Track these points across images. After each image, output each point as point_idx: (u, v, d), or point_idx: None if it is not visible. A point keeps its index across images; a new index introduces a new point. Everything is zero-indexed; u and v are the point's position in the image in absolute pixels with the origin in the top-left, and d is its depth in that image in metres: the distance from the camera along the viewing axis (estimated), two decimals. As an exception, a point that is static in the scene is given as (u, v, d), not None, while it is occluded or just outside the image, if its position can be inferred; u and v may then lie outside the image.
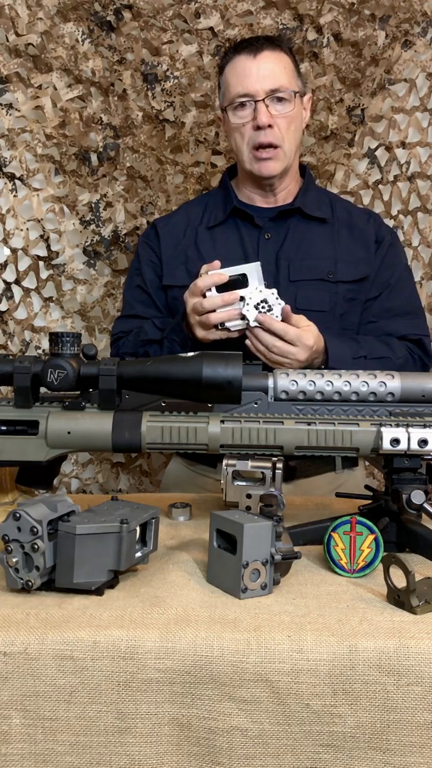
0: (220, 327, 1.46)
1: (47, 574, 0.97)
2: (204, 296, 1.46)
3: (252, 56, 1.61)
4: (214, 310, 1.45)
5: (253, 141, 1.63)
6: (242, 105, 1.62)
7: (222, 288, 1.46)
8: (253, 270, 1.47)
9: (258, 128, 1.61)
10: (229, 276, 1.46)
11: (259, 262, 1.49)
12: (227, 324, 1.45)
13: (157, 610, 0.93)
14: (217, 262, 1.48)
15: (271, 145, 1.63)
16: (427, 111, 2.18)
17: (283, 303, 1.45)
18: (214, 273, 1.45)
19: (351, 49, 2.12)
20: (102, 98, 2.17)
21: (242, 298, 1.44)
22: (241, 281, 1.46)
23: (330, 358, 1.51)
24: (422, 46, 2.14)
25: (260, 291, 1.44)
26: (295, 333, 1.44)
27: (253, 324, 1.44)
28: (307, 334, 1.46)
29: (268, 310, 1.44)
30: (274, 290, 1.45)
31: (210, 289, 1.45)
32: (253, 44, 1.62)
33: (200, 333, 1.48)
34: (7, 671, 0.86)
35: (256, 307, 1.43)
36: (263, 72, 1.60)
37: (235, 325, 1.45)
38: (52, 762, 0.87)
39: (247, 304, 1.44)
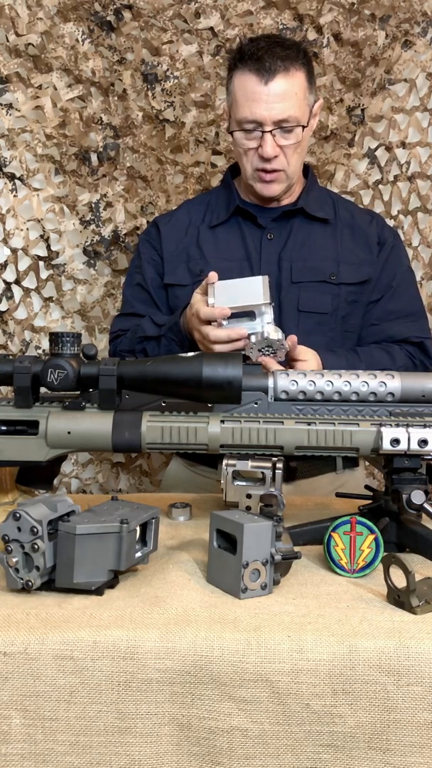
0: None
1: (47, 574, 0.97)
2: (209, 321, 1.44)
3: (263, 82, 1.55)
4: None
5: (257, 166, 1.63)
6: (249, 130, 1.60)
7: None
8: (262, 307, 1.42)
9: (263, 157, 1.60)
10: (236, 312, 1.42)
11: (266, 276, 1.45)
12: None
13: (157, 610, 0.93)
14: (213, 275, 1.46)
15: (274, 170, 1.63)
16: (427, 111, 2.18)
17: (287, 346, 1.42)
18: (219, 309, 1.42)
19: (351, 49, 2.12)
20: (102, 98, 2.17)
21: (248, 336, 1.42)
22: (248, 315, 1.43)
23: None
24: (422, 46, 2.14)
25: (266, 337, 1.40)
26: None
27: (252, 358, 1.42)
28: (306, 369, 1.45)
29: (272, 353, 1.42)
30: (281, 335, 1.42)
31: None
32: (266, 64, 1.55)
33: (202, 349, 1.48)
34: (7, 671, 0.86)
35: (261, 350, 1.42)
36: (273, 100, 1.56)
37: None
38: (52, 762, 0.87)
39: (251, 348, 1.41)
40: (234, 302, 1.42)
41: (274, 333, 1.41)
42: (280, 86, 1.56)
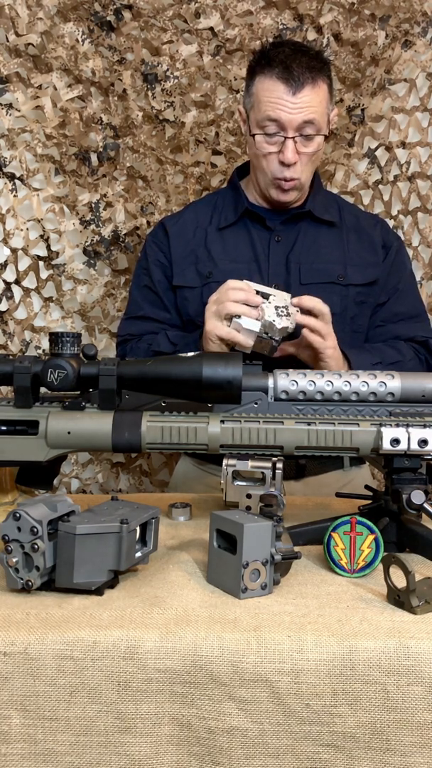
0: (231, 324, 1.45)
1: (47, 574, 0.97)
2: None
3: (291, 92, 1.56)
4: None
5: (275, 173, 1.64)
6: (271, 134, 1.60)
7: None
8: (275, 292, 1.47)
9: (282, 163, 1.61)
10: (257, 291, 1.47)
11: (289, 295, 1.49)
12: (241, 320, 1.44)
13: (157, 610, 0.93)
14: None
15: (292, 178, 1.64)
16: (427, 111, 2.18)
17: (297, 310, 1.47)
18: (246, 284, 1.46)
19: (351, 49, 2.12)
20: (102, 98, 2.17)
21: (266, 297, 1.46)
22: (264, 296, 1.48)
23: (353, 364, 1.55)
24: (422, 46, 2.14)
25: (285, 298, 1.45)
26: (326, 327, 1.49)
27: (267, 319, 1.44)
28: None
29: (286, 315, 1.45)
30: (286, 323, 1.45)
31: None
32: (294, 74, 1.55)
33: (210, 324, 1.48)
34: (7, 671, 0.86)
35: (276, 308, 1.44)
36: (299, 107, 1.56)
37: (248, 323, 1.44)
38: (52, 762, 0.87)
39: (269, 302, 1.44)
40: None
41: (279, 320, 1.44)
42: (306, 97, 1.57)
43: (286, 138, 1.58)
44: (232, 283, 1.47)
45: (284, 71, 1.56)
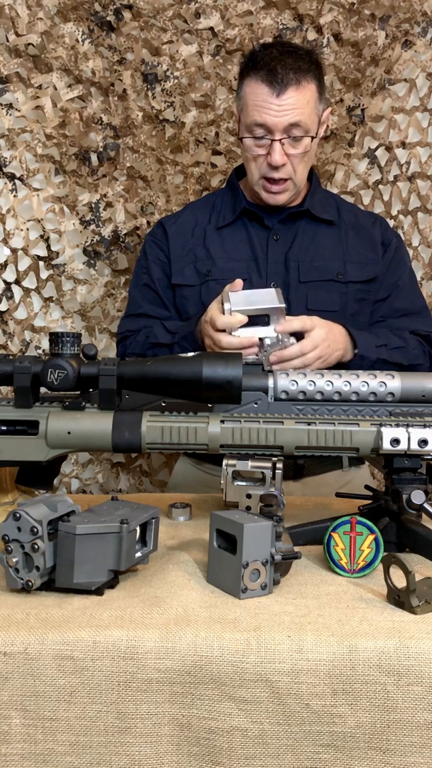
0: None
1: (47, 574, 0.97)
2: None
3: (275, 94, 1.55)
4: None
5: (265, 174, 1.64)
6: (259, 137, 1.60)
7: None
8: (276, 311, 1.42)
9: (271, 165, 1.61)
10: (252, 315, 1.43)
11: (279, 289, 1.46)
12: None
13: (157, 610, 0.93)
14: (239, 281, 1.47)
15: (282, 179, 1.63)
16: (427, 111, 2.18)
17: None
18: (236, 317, 1.41)
19: (351, 49, 2.12)
20: (102, 98, 2.17)
21: (261, 340, 1.42)
22: (261, 322, 1.44)
23: (359, 345, 1.54)
24: (422, 46, 2.14)
25: (281, 340, 1.41)
26: (311, 342, 1.43)
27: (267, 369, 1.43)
28: (316, 329, 1.45)
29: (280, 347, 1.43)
30: (294, 340, 1.42)
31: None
32: (278, 76, 1.55)
33: None
34: (7, 671, 0.86)
35: (273, 348, 1.42)
36: (284, 109, 1.56)
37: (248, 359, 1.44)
38: (52, 762, 0.87)
39: (266, 351, 1.42)
40: (250, 306, 1.43)
41: (288, 339, 1.42)
42: (291, 98, 1.56)
43: (273, 140, 1.58)
44: (221, 321, 1.42)
45: (268, 74, 1.56)
